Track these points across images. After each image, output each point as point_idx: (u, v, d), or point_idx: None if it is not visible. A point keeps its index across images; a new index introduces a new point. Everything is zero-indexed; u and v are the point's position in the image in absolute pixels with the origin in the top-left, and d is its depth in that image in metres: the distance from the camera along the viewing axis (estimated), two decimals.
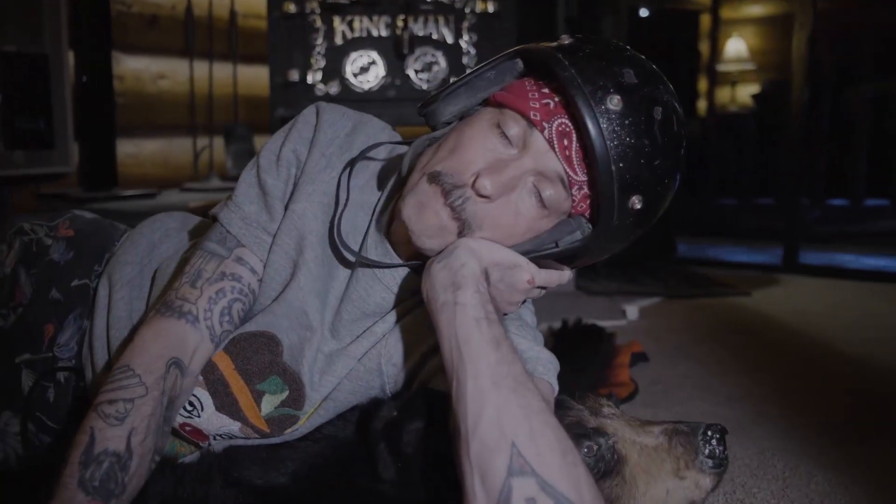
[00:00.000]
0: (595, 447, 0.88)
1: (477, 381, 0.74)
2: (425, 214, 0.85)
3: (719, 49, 4.79)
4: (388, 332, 0.96)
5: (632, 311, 2.57)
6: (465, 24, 2.63)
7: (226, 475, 0.90)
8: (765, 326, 2.48)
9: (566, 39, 0.88)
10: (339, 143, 0.98)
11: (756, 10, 4.83)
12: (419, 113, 0.94)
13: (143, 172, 3.09)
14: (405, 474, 0.84)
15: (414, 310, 0.96)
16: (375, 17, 2.62)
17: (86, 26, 2.77)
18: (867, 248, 3.81)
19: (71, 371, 1.07)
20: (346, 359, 0.96)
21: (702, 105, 4.76)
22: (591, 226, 0.87)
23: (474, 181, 0.83)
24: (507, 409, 0.72)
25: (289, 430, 0.96)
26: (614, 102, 0.80)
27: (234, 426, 0.95)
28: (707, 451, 0.88)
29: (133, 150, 3.05)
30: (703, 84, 4.78)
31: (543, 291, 0.93)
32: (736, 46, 4.71)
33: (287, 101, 2.59)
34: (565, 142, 0.83)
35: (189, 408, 0.93)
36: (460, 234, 0.85)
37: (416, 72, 2.65)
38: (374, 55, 2.63)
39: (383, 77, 2.65)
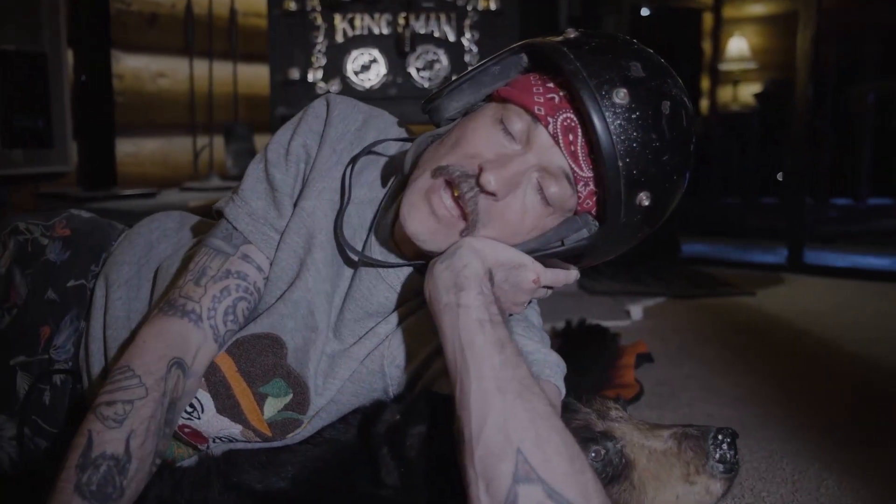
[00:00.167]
0: (603, 451, 0.86)
1: (481, 385, 0.73)
2: (421, 214, 0.83)
3: (721, 48, 4.78)
4: (391, 334, 0.94)
5: (636, 311, 2.55)
6: (467, 22, 2.61)
7: (225, 479, 0.89)
8: (770, 326, 2.46)
9: (572, 33, 0.86)
10: (349, 139, 0.96)
11: (758, 9, 4.82)
12: (423, 109, 0.92)
13: (143, 172, 3.07)
14: (408, 479, 0.83)
15: (417, 310, 0.95)
16: (377, 15, 2.60)
17: (85, 25, 2.76)
18: (871, 248, 3.79)
19: (67, 373, 1.06)
20: (349, 360, 0.94)
21: (704, 104, 4.75)
22: (597, 223, 0.85)
23: (479, 175, 0.81)
24: (512, 414, 0.71)
25: (291, 435, 0.95)
26: (620, 96, 0.78)
27: (235, 429, 0.93)
28: (718, 456, 0.86)
29: (132, 150, 3.04)
30: (705, 83, 4.77)
31: (550, 292, 0.91)
32: (738, 45, 4.71)
33: (287, 99, 2.58)
34: (570, 137, 0.81)
35: (189, 409, 0.92)
36: (465, 230, 0.83)
37: (418, 70, 2.63)
38: (376, 53, 2.62)
39: (384, 75, 2.64)
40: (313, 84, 2.61)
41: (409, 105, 2.55)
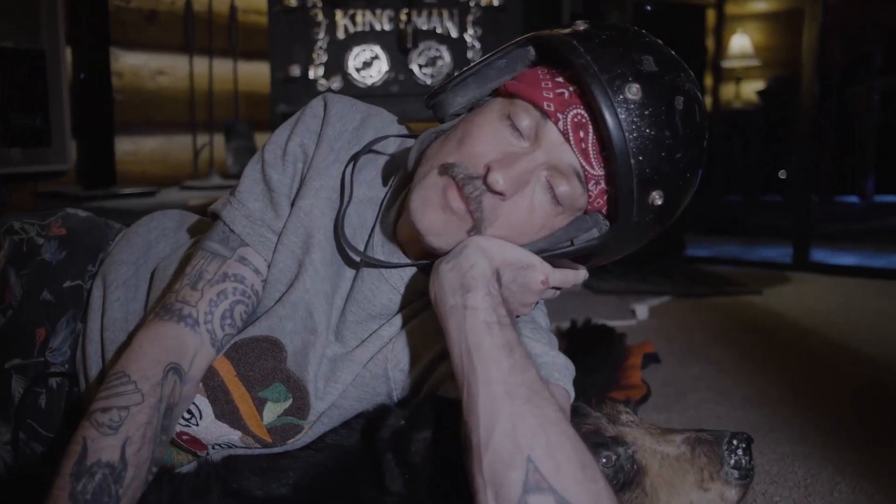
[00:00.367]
0: (614, 457, 0.84)
1: (489, 390, 0.71)
2: (434, 209, 0.80)
3: (724, 45, 4.76)
4: (395, 336, 0.92)
5: (641, 310, 2.53)
6: (470, 18, 2.59)
7: (224, 486, 0.87)
8: (777, 325, 2.44)
9: (581, 25, 0.83)
10: (347, 138, 0.94)
11: (761, 6, 4.81)
12: (426, 105, 0.89)
13: (143, 170, 3.06)
14: (413, 486, 0.81)
15: (422, 312, 0.92)
16: (378, 11, 2.58)
17: (84, 22, 2.75)
18: (877, 246, 3.77)
19: (64, 376, 1.04)
20: (352, 364, 0.92)
21: (707, 101, 4.73)
22: (608, 223, 0.83)
23: (486, 175, 0.78)
24: (521, 420, 0.69)
25: (291, 441, 0.93)
26: (633, 91, 0.76)
27: (234, 435, 0.91)
28: (732, 462, 0.84)
29: (132, 148, 3.02)
30: (707, 80, 4.75)
31: (558, 292, 0.89)
32: (740, 42, 4.69)
33: (288, 96, 2.57)
34: (581, 134, 0.79)
35: (187, 416, 0.90)
36: (472, 230, 0.81)
37: (420, 66, 2.61)
38: (377, 50, 2.60)
39: (386, 72, 2.62)
40: (314, 81, 2.59)
41: (411, 102, 2.53)
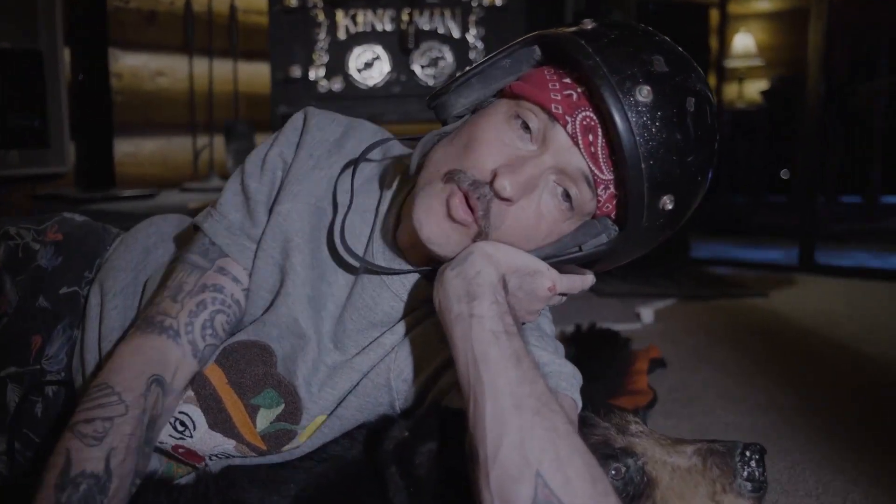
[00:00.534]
0: (623, 469, 0.81)
1: (497, 402, 0.69)
2: (438, 218, 0.78)
3: (727, 44, 4.74)
4: (398, 345, 0.90)
5: (646, 313, 2.50)
6: (472, 18, 2.57)
7: (223, 497, 0.86)
8: (783, 328, 2.43)
9: (588, 24, 0.81)
10: (327, 147, 0.94)
11: (764, 5, 4.79)
12: (428, 106, 0.88)
13: (142, 172, 3.04)
14: (417, 499, 0.79)
15: (425, 320, 0.90)
16: (379, 11, 2.57)
17: (82, 22, 2.72)
18: (884, 247, 3.74)
19: (60, 385, 1.02)
20: (351, 372, 0.90)
21: None
22: (617, 228, 0.81)
23: (493, 180, 0.76)
24: (530, 434, 0.67)
25: (287, 448, 0.91)
26: (644, 94, 0.74)
27: (228, 444, 0.90)
28: (746, 474, 0.81)
29: (131, 150, 3.00)
30: (711, 80, 4.72)
31: (565, 299, 0.87)
32: (744, 42, 4.67)
33: (289, 97, 2.55)
34: (590, 137, 0.76)
35: (181, 428, 0.88)
36: (477, 236, 0.78)
37: (422, 67, 2.59)
38: (379, 50, 2.58)
39: (388, 73, 2.60)
40: (315, 82, 2.57)
41: (412, 103, 2.51)
